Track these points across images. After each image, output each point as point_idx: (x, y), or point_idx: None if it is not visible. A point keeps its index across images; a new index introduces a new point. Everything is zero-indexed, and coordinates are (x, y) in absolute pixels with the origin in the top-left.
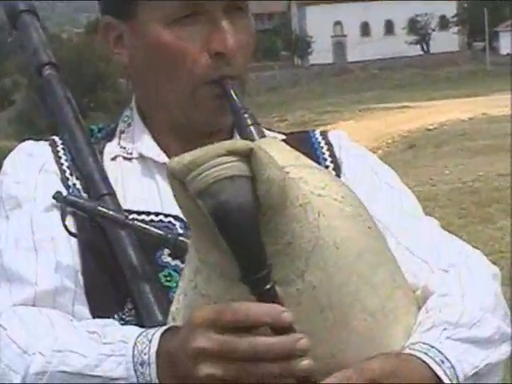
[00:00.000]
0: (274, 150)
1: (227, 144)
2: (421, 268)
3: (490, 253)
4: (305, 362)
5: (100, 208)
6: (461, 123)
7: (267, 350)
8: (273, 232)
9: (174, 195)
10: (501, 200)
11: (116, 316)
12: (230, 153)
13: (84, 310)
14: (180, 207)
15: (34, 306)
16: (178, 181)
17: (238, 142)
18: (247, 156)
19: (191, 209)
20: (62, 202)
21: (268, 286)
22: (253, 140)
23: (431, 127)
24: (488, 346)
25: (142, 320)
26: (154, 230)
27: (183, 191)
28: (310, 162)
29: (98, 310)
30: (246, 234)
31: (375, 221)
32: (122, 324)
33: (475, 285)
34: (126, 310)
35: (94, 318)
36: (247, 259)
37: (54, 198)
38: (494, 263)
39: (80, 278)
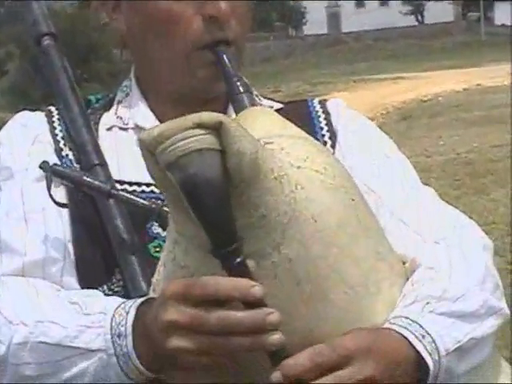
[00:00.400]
0: (261, 119)
1: (196, 116)
2: (413, 240)
3: (484, 224)
4: (275, 337)
5: (86, 178)
6: (455, 94)
7: (236, 324)
8: (246, 205)
9: (147, 167)
10: (495, 171)
11: (105, 287)
12: (199, 125)
13: (72, 281)
14: (153, 179)
15: (22, 276)
16: (150, 153)
17: (206, 115)
18: (217, 129)
19: (163, 181)
20: (49, 171)
21: (238, 260)
22: (243, 108)
23: (426, 98)
24: (473, 320)
25: (128, 291)
26: (138, 200)
27: (155, 163)
28: (299, 132)
29: (87, 280)
30: (215, 207)
31: (369, 191)
32: (111, 295)
33: (464, 257)
34: (114, 280)
35: (82, 288)
36: (216, 233)
37: (40, 167)
38: (488, 234)
39: (69, 248)
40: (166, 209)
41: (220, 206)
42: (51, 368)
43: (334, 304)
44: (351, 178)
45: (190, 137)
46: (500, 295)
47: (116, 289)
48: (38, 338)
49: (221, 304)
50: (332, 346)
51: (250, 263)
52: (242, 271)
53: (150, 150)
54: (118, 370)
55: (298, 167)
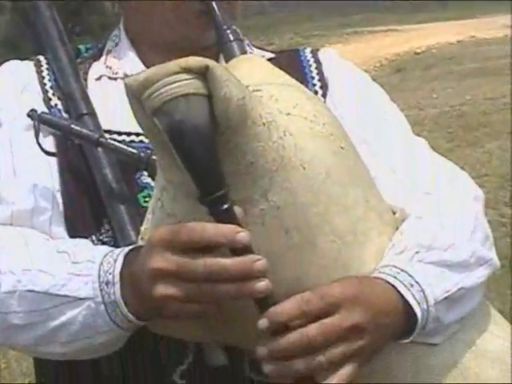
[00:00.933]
0: (251, 67)
1: (182, 61)
2: (403, 190)
3: (477, 176)
4: (262, 284)
5: (74, 126)
6: (449, 46)
7: (222, 271)
8: (233, 152)
9: (134, 113)
10: (488, 124)
11: (94, 236)
12: (186, 70)
13: (61, 231)
14: (140, 126)
15: (11, 225)
16: (136, 99)
17: (193, 59)
18: (203, 74)
19: (150, 127)
20: (37, 120)
21: (225, 207)
22: (234, 57)
23: (419, 50)
24: (462, 269)
25: (117, 241)
26: (126, 148)
27: (141, 109)
28: (289, 80)
29: (76, 230)
30: (201, 153)
31: (360, 141)
32: (100, 244)
33: (455, 208)
34: (103, 230)
35: (71, 238)
36: (203, 179)
37: (28, 115)
38: (481, 186)
39: (58, 198)
40: (155, 158)
41: (207, 152)
42: (39, 316)
43: (322, 252)
44: (341, 127)
45: (176, 81)
46: (490, 246)
47: (105, 239)
48: (26, 287)
49: (208, 251)
50: (319, 293)
51: (238, 210)
52: (229, 218)
53: (136, 95)
54: (106, 318)
55: (287, 114)
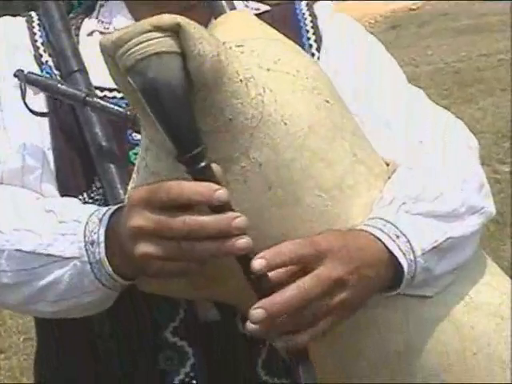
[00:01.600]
0: (238, 23)
1: (154, 19)
2: (397, 141)
3: (472, 133)
4: (242, 241)
5: (60, 86)
6: (444, 3)
7: (201, 228)
8: (210, 109)
9: (109, 72)
10: (483, 80)
11: (85, 195)
12: (157, 28)
13: (52, 189)
14: (116, 85)
15: (1, 184)
16: (111, 58)
17: (164, 17)
18: (176, 31)
19: (126, 86)
20: (23, 80)
21: (202, 164)
22: (223, 13)
23: (414, 7)
24: (451, 219)
25: (108, 199)
26: (113, 107)
27: (116, 68)
28: (275, 34)
29: (67, 188)
30: (176, 112)
31: (355, 94)
32: (91, 203)
33: (447, 157)
34: (94, 188)
35: (62, 197)
36: (178, 137)
37: (15, 75)
38: None
39: (49, 157)
40: None
41: (181, 109)
42: (27, 276)
43: (308, 208)
44: (329, 81)
45: (148, 40)
46: (485, 194)
47: (96, 196)
48: (13, 246)
49: (187, 209)
50: (304, 243)
51: (216, 167)
52: (207, 176)
53: (111, 54)
54: (92, 278)
55: (268, 69)
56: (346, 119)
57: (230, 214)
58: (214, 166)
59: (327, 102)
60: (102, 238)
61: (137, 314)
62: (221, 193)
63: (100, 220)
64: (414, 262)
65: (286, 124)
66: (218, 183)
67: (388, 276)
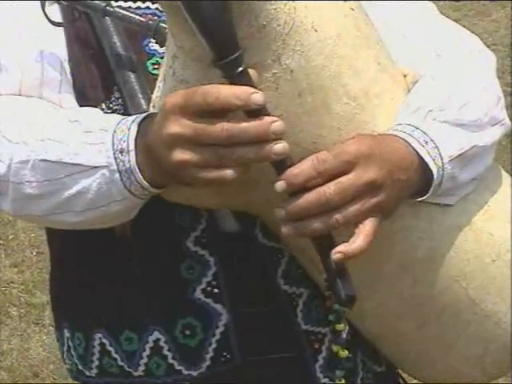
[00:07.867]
0: None
1: None
2: (415, 53)
3: (485, 45)
4: (279, 145)
5: None
6: None
7: (240, 133)
8: (246, 14)
9: None
10: None
11: (103, 105)
12: None
13: (71, 98)
14: None
15: (20, 95)
16: None
17: None
18: None
19: None
20: None
21: (240, 69)
22: None
23: None
24: (475, 128)
25: (127, 109)
26: (135, 16)
27: None
28: None
29: (85, 99)
30: (215, 14)
31: (371, 5)
32: (110, 113)
33: (467, 68)
34: (113, 98)
35: (80, 107)
36: (217, 41)
37: None
38: None
39: (66, 67)
40: (163, 25)
41: (220, 13)
42: (53, 186)
43: (336, 115)
44: None
45: None
46: (502, 106)
47: (115, 107)
48: (39, 156)
49: (223, 116)
50: (334, 152)
51: (252, 72)
52: (244, 81)
53: None
54: (120, 187)
55: None
56: (369, 27)
57: (268, 119)
58: (250, 70)
59: (352, 9)
60: (131, 146)
61: (159, 222)
62: (258, 96)
63: (129, 128)
64: (442, 168)
65: (316, 31)
66: (254, 87)
67: (418, 181)
